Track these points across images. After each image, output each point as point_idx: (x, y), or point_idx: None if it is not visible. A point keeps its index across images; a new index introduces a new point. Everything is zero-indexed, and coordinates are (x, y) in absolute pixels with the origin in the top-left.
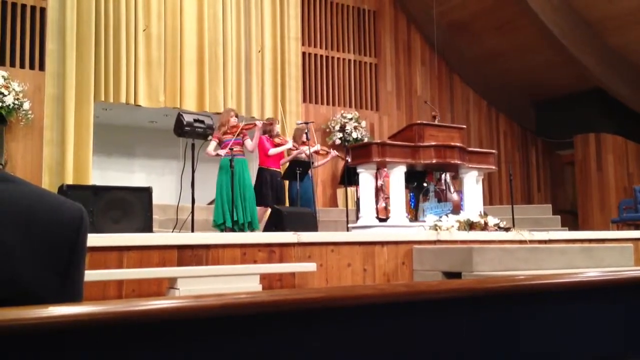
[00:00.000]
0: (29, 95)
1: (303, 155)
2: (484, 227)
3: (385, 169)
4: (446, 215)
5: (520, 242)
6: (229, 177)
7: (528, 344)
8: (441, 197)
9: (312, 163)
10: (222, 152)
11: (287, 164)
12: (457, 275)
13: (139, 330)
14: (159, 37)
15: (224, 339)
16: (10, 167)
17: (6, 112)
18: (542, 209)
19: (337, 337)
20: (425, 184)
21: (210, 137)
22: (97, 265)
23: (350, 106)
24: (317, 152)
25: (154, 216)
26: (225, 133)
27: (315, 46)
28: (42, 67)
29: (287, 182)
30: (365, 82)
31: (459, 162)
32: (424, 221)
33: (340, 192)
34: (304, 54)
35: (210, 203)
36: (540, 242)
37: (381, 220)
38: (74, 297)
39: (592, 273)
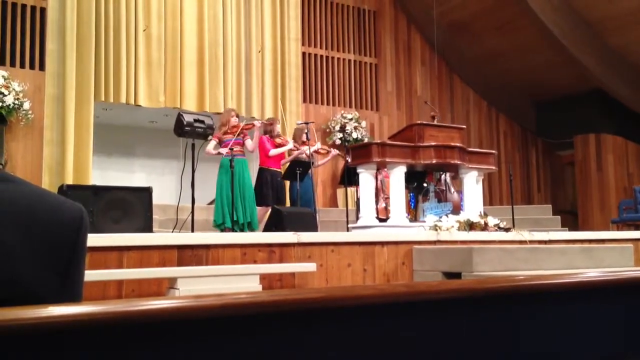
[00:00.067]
0: (29, 95)
1: (303, 156)
2: (484, 227)
3: (385, 169)
4: (446, 215)
5: (520, 242)
6: (229, 177)
7: (528, 344)
8: (441, 197)
9: (313, 163)
10: (224, 150)
11: (287, 164)
12: (457, 275)
13: (139, 330)
14: (159, 37)
15: (224, 339)
16: (10, 167)
17: (6, 112)
18: (542, 210)
19: (337, 337)
20: (425, 184)
21: (210, 137)
22: (97, 265)
23: (350, 106)
24: (317, 151)
25: (154, 216)
26: (225, 133)
27: (315, 46)
28: (42, 67)
29: (287, 182)
30: (365, 82)
31: (459, 162)
32: (424, 221)
33: (340, 192)
34: (304, 54)
35: (210, 203)
36: (540, 242)
37: (381, 220)
38: (74, 297)
39: (592, 273)
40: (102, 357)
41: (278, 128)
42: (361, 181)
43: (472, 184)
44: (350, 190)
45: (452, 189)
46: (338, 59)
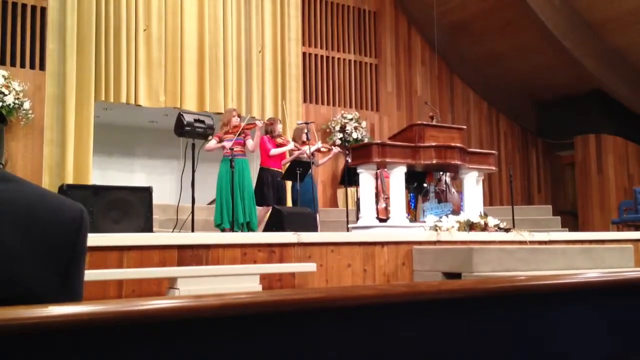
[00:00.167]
0: (29, 94)
1: (304, 156)
2: (484, 227)
3: (386, 169)
4: (446, 215)
5: (521, 242)
6: (229, 177)
7: (528, 345)
8: (441, 197)
9: (313, 163)
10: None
11: (288, 164)
12: (457, 275)
13: (139, 330)
14: (159, 37)
15: (224, 339)
16: (10, 166)
17: (6, 111)
18: (542, 210)
19: (337, 337)
20: (425, 185)
21: (210, 137)
22: (97, 265)
23: (350, 106)
24: (319, 150)
25: (154, 216)
26: (227, 133)
27: (315, 46)
28: (42, 67)
29: (289, 182)
30: (365, 83)
31: (459, 162)
32: (424, 222)
33: (340, 192)
34: (304, 54)
35: (211, 203)
36: (540, 243)
37: (381, 220)
38: (74, 297)
39: (592, 274)
40: (102, 357)
41: (279, 128)
42: (361, 181)
43: (472, 185)
44: (351, 190)
45: (452, 190)
46: (338, 59)
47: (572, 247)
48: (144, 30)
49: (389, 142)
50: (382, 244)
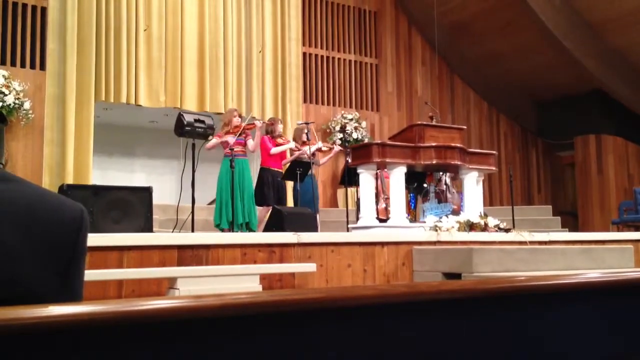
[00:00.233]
0: (29, 94)
1: (305, 156)
2: (484, 228)
3: (386, 169)
4: (446, 216)
5: (521, 243)
6: (229, 177)
7: (528, 345)
8: (441, 198)
9: (314, 163)
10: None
11: (288, 164)
12: (457, 276)
13: (139, 330)
14: (159, 37)
15: (224, 339)
16: (10, 166)
17: (7, 111)
18: (542, 210)
19: (337, 337)
20: (425, 185)
21: (210, 137)
22: (97, 265)
23: (350, 107)
24: (320, 149)
25: (154, 216)
26: (227, 133)
27: (315, 46)
28: (42, 67)
29: (290, 183)
30: (365, 83)
31: (459, 163)
32: (424, 222)
33: (340, 192)
34: (304, 54)
35: (211, 203)
36: (540, 243)
37: (381, 220)
38: (74, 297)
39: (592, 274)
40: (102, 357)
41: (280, 128)
42: (361, 181)
43: (473, 185)
44: (351, 190)
45: (452, 190)
46: (339, 59)
47: (572, 248)
48: (144, 30)
49: (389, 142)
50: (382, 244)
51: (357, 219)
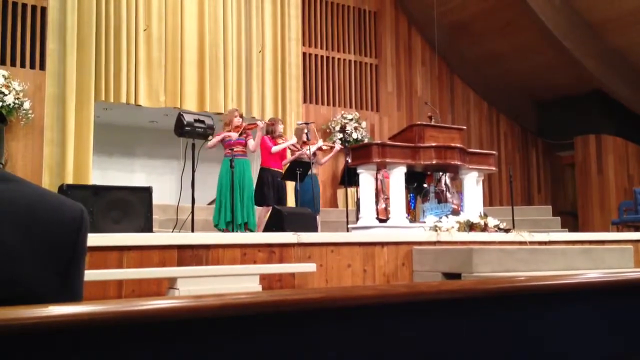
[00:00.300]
0: (29, 94)
1: (305, 156)
2: (484, 228)
3: (385, 169)
4: (446, 216)
5: (520, 243)
6: (229, 177)
7: (528, 345)
8: (441, 198)
9: (313, 163)
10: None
11: (288, 164)
12: (456, 276)
13: (139, 330)
14: (159, 37)
15: (224, 339)
16: (10, 166)
17: (7, 111)
18: (542, 210)
19: (337, 337)
20: (425, 185)
21: (210, 137)
22: (97, 265)
23: (350, 107)
24: (320, 149)
25: (154, 216)
26: (225, 137)
27: (315, 47)
28: (42, 67)
29: (290, 183)
30: (365, 83)
31: (459, 163)
32: (424, 222)
33: (340, 192)
34: (304, 54)
35: (211, 203)
36: (540, 243)
37: (381, 221)
38: (74, 297)
39: (592, 274)
40: (102, 357)
41: (280, 128)
42: (361, 182)
43: (472, 185)
44: (351, 190)
45: (452, 190)
46: (338, 59)
47: (572, 248)
48: (144, 30)
49: (389, 142)
50: (382, 244)
51: (357, 219)
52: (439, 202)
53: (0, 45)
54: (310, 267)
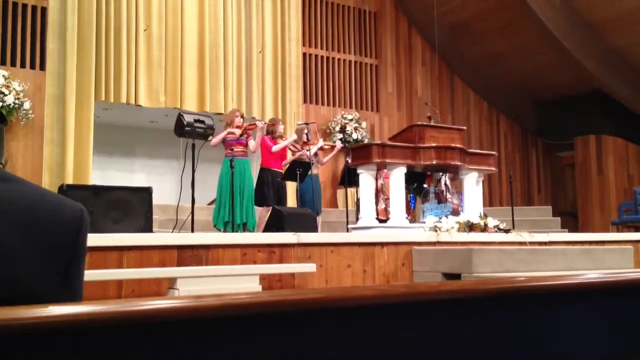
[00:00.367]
0: (29, 94)
1: (305, 157)
2: (484, 228)
3: (385, 170)
4: (446, 216)
5: (520, 243)
6: (229, 177)
7: (527, 345)
8: (441, 198)
9: (313, 163)
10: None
11: (288, 164)
12: (456, 276)
13: (139, 330)
14: (159, 37)
15: (224, 339)
16: (10, 166)
17: (7, 111)
18: (542, 211)
19: (337, 337)
20: (425, 186)
21: (210, 138)
22: (97, 265)
23: (350, 107)
24: (322, 148)
25: (154, 216)
26: (229, 133)
27: (315, 47)
28: (42, 67)
29: (290, 183)
30: (365, 83)
31: (459, 163)
32: (424, 222)
33: (340, 192)
34: (304, 54)
35: (210, 203)
36: (540, 243)
37: (381, 221)
38: (74, 296)
39: (592, 275)
40: (102, 357)
41: (280, 128)
42: (361, 182)
43: (472, 185)
44: (351, 191)
45: (452, 190)
46: (339, 59)
47: (572, 248)
48: (144, 30)
49: (389, 142)
50: (382, 244)
51: (357, 219)
52: (439, 202)
53: (1, 45)
54: (310, 267)
